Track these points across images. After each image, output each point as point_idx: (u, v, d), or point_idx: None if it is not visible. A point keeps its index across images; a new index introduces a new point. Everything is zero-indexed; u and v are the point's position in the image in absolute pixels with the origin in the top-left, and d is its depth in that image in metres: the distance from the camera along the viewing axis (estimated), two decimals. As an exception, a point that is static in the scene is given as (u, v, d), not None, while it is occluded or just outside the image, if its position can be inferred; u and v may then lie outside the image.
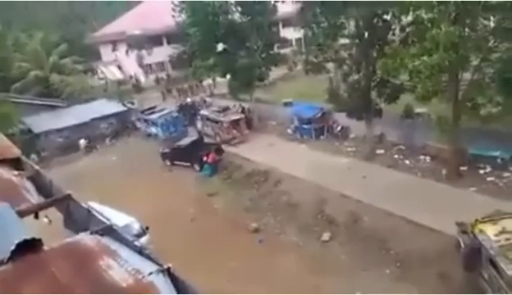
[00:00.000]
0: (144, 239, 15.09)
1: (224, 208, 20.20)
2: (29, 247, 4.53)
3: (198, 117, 31.41)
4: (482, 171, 18.90)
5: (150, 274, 4.31)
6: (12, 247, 4.42)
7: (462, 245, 13.07)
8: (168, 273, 4.38)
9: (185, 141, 26.93)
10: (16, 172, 6.72)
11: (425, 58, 15.15)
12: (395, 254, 14.72)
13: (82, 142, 31.88)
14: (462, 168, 19.14)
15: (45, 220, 7.48)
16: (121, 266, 4.41)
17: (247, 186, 22.07)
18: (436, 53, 14.88)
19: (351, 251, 15.40)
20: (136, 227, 16.04)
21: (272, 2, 29.77)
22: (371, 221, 16.70)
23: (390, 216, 16.63)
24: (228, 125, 28.17)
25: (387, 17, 19.63)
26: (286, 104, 30.38)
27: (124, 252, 4.72)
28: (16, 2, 55.50)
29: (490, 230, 12.24)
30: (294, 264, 15.27)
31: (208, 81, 41.06)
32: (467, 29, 16.00)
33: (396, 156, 22.10)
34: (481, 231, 12.36)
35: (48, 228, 6.88)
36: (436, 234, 14.81)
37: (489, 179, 18.34)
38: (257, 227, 18.05)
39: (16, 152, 7.52)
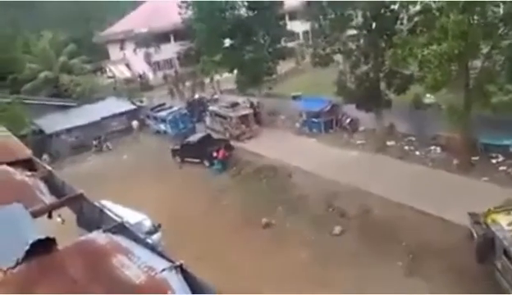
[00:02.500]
0: (155, 236, 15.21)
1: (234, 203, 20.25)
2: (43, 246, 4.60)
3: (207, 113, 31.49)
4: (494, 161, 18.71)
5: (163, 270, 4.36)
6: (26, 247, 4.49)
7: (475, 235, 12.96)
8: (181, 269, 4.43)
9: (195, 137, 27.03)
10: (28, 173, 6.82)
11: (434, 47, 14.98)
12: (407, 246, 14.63)
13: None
14: (473, 158, 18.95)
15: (58, 219, 7.58)
16: (134, 264, 4.46)
17: (257, 181, 22.08)
18: (445, 42, 14.71)
19: (363, 244, 15.34)
20: (148, 224, 16.16)
21: (279, -4, 29.68)
22: (382, 213, 16.64)
23: (402, 208, 16.55)
24: (237, 121, 28.17)
25: (395, 7, 19.44)
26: (295, 98, 30.28)
27: (136, 250, 4.77)
28: (23, 1, 55.90)
29: (503, 220, 12.13)
30: (306, 258, 15.27)
31: (208, 79, 41.19)
32: (476, 17, 15.77)
33: (407, 148, 21.96)
34: (494, 221, 12.25)
35: (62, 227, 6.98)
36: (448, 225, 14.72)
37: (501, 168, 18.15)
38: (268, 221, 18.07)
39: (27, 153, 7.62)
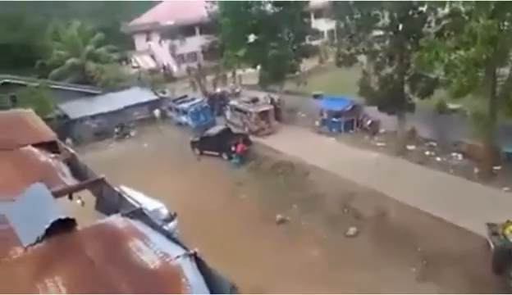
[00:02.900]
0: (171, 224, 15.42)
1: (251, 198, 20.34)
2: (63, 226, 4.76)
3: (228, 107, 31.64)
4: (516, 171, 18.29)
5: (177, 257, 4.46)
6: (47, 226, 4.65)
7: (492, 246, 12.75)
8: (195, 258, 4.52)
9: (214, 130, 27.19)
10: (52, 155, 7.04)
11: (461, 52, 14.70)
12: (421, 252, 14.45)
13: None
14: (495, 167, 18.55)
15: (78, 201, 7.79)
16: (150, 249, 4.58)
17: (274, 177, 22.13)
18: (474, 47, 14.41)
19: (377, 247, 15.22)
20: (164, 212, 16.37)
21: (305, -7, 29.51)
22: (398, 218, 16.46)
23: (419, 213, 16.35)
24: (257, 116, 28.25)
25: (423, 9, 19.13)
26: (316, 96, 30.17)
27: (153, 236, 4.90)
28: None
29: (522, 232, 11.91)
30: (318, 257, 15.25)
31: (230, 74, 41.44)
32: (506, 23, 15.38)
33: (427, 153, 21.64)
34: (512, 232, 12.03)
35: (81, 209, 7.17)
36: (465, 234, 14.47)
37: (524, 179, 17.74)
38: (282, 218, 18.10)
39: (52, 135, 7.86)
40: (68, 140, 28.48)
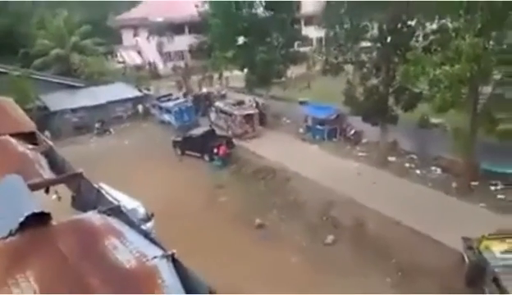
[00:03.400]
0: (149, 224, 15.18)
1: (231, 201, 20.24)
2: (38, 220, 4.60)
3: (212, 108, 31.49)
4: (493, 188, 18.65)
5: (154, 258, 4.36)
6: (21, 219, 4.49)
7: (466, 260, 12.95)
8: (172, 259, 4.43)
9: (198, 131, 27.01)
10: (30, 146, 6.83)
11: (446, 68, 14.94)
12: (397, 263, 14.60)
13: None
14: (473, 183, 18.89)
15: (53, 196, 7.56)
16: (126, 248, 4.46)
17: (255, 181, 22.07)
18: (458, 64, 14.67)
19: (354, 256, 15.32)
20: (142, 212, 16.10)
21: (297, -1, 29.71)
22: (376, 228, 16.59)
23: (396, 225, 16.50)
24: (241, 119, 28.19)
25: (412, 23, 19.41)
26: (302, 103, 30.31)
27: (130, 234, 4.77)
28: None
29: (496, 248, 12.12)
30: (295, 263, 15.24)
31: (217, 75, 41.43)
32: (492, 42, 15.74)
33: (408, 165, 21.92)
34: (487, 248, 12.24)
35: (57, 204, 6.97)
36: (440, 247, 14.66)
37: (500, 196, 18.08)
38: (261, 223, 18.05)
39: (31, 126, 7.65)
40: (46, 133, 27.86)
